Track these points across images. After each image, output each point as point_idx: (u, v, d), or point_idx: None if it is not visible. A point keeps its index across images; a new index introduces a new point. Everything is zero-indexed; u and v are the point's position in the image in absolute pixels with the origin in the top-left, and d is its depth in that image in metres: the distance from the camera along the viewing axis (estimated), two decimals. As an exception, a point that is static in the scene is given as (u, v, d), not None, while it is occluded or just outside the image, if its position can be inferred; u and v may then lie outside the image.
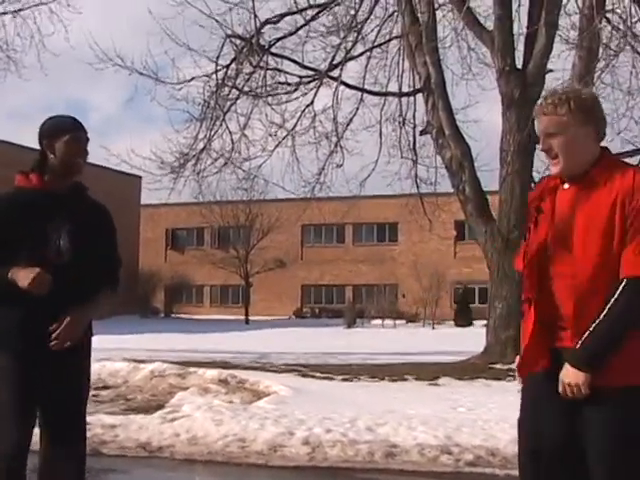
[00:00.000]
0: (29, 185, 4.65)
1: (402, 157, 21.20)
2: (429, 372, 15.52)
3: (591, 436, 3.68)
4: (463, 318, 48.40)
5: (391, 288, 59.59)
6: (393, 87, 21.05)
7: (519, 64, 17.95)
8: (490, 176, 18.92)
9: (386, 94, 21.05)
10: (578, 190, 3.77)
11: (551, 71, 18.09)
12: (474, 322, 45.34)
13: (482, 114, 21.27)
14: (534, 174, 18.71)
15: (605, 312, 3.59)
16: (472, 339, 21.40)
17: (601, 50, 16.31)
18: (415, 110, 20.97)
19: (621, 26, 15.94)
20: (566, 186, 3.84)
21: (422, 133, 19.88)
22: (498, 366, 16.17)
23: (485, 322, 18.89)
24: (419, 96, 19.70)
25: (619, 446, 3.65)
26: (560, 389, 3.70)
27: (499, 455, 8.63)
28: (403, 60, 20.59)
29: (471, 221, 18.21)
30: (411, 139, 21.18)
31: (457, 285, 57.28)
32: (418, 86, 19.33)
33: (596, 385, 3.63)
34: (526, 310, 3.91)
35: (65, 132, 4.64)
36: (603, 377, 3.63)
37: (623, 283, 3.59)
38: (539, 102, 3.87)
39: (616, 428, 3.65)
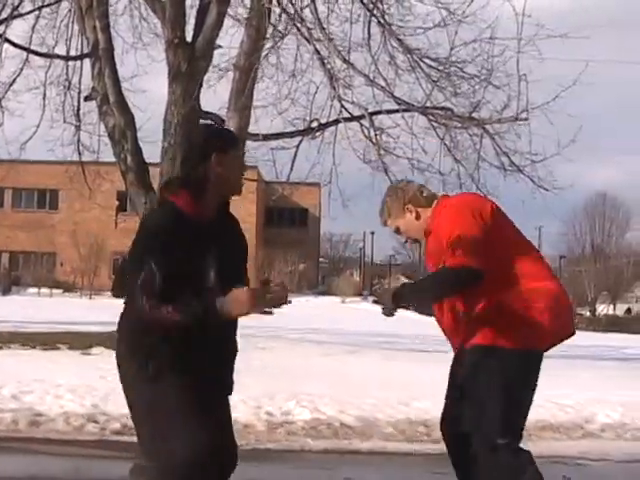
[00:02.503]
0: (186, 210, 3.89)
1: (65, 122, 20.69)
2: (83, 341, 15.37)
3: None
4: (120, 289, 48.29)
5: (49, 256, 58.53)
6: (61, 50, 20.49)
7: (189, 38, 18.03)
8: (154, 147, 18.89)
9: (53, 56, 20.46)
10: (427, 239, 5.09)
11: (220, 47, 18.30)
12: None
13: (150, 85, 21.18)
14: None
15: (424, 277, 5.11)
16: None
17: (270, 31, 16.68)
18: (81, 75, 20.48)
19: (290, 9, 16.34)
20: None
21: (87, 99, 19.46)
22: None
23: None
24: (86, 61, 19.31)
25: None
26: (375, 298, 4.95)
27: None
28: (73, 23, 20.10)
29: (131, 191, 18.02)
30: (76, 104, 20.72)
31: (116, 256, 56.96)
32: (86, 51, 18.94)
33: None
34: None
35: (235, 146, 4.04)
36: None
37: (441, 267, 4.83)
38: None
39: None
